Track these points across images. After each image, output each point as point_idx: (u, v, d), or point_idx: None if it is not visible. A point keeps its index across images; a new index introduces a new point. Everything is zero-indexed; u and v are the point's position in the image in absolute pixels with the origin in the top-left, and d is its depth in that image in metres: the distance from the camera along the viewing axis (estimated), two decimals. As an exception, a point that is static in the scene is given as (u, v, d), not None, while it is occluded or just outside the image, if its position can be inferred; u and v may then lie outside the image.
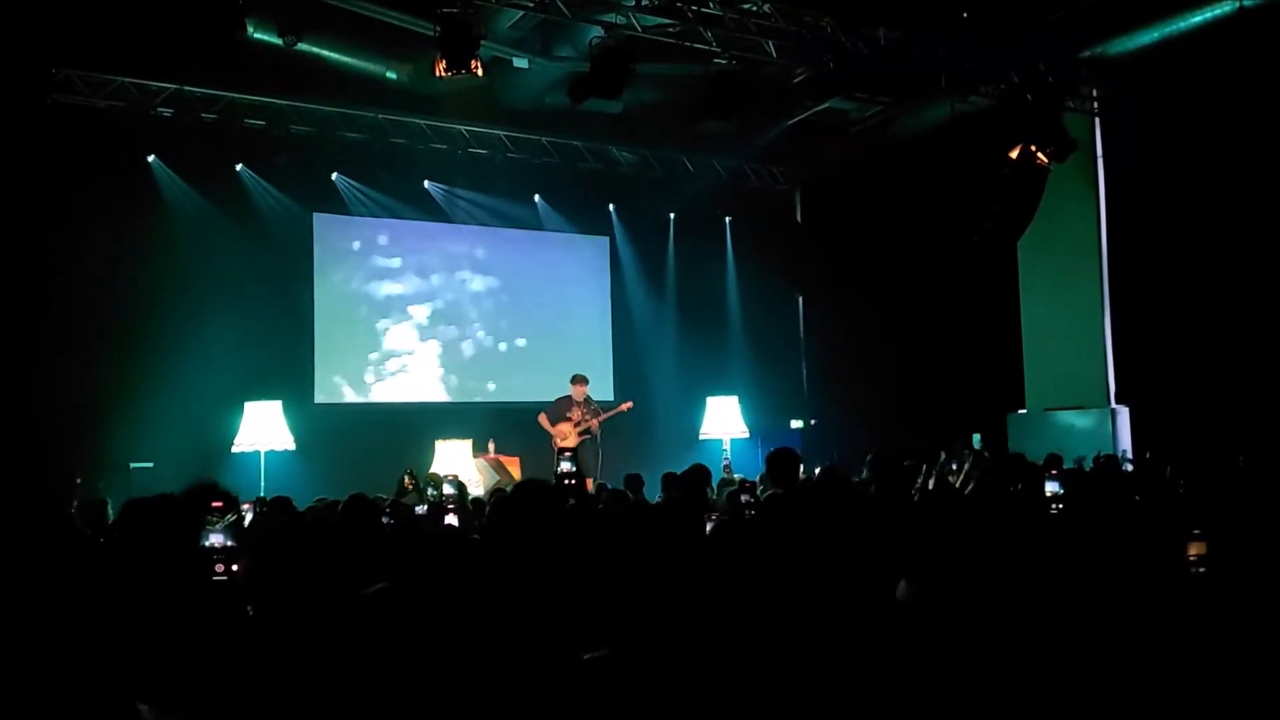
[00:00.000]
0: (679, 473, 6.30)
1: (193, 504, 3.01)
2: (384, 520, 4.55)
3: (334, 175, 10.48)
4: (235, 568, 2.98)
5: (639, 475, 6.73)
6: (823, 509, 4.43)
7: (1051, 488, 4.30)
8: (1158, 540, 3.58)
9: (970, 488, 6.20)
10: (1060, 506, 4.22)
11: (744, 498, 4.56)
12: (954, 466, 6.96)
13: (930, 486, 6.19)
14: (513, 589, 3.40)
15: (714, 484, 6.80)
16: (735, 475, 8.39)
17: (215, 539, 3.01)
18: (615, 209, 12.09)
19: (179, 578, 2.86)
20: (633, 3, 8.28)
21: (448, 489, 5.76)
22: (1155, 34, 8.92)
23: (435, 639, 2.98)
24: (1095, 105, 10.14)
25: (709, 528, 4.17)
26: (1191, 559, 3.40)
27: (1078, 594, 3.38)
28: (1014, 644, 3.39)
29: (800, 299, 13.02)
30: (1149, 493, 5.26)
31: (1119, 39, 9.21)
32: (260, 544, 3.28)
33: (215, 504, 3.04)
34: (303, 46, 8.66)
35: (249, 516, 5.41)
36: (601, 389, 11.16)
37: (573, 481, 4.91)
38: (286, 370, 10.04)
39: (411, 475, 8.09)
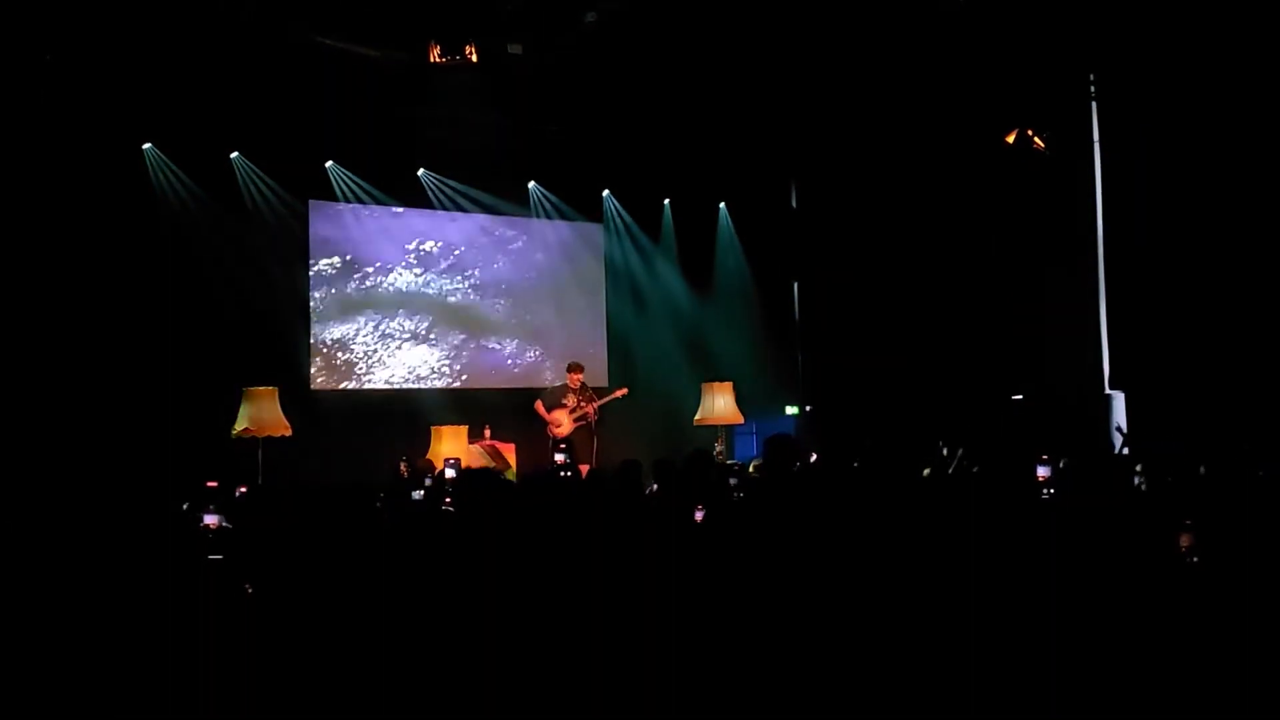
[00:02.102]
0: (682, 458, 6.32)
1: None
2: (378, 506, 4.55)
3: (328, 163, 10.45)
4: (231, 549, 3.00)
5: (637, 461, 6.72)
6: (817, 494, 4.45)
7: (1042, 472, 4.31)
8: (1149, 528, 3.59)
9: (966, 474, 6.23)
10: (1050, 491, 4.24)
11: (732, 480, 4.56)
12: (946, 453, 7.00)
13: (925, 472, 6.22)
14: (508, 573, 3.41)
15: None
16: (730, 462, 8.41)
17: (210, 520, 3.03)
18: (610, 195, 12.07)
19: (177, 558, 2.88)
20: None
21: (449, 474, 5.77)
22: (1154, 18, 8.89)
23: (431, 620, 3.01)
24: (1093, 89, 10.11)
25: (699, 516, 4.19)
26: (1184, 549, 3.42)
27: (1068, 580, 3.39)
28: (1007, 627, 3.41)
29: (796, 285, 13.02)
30: (1142, 479, 5.28)
31: (1117, 23, 9.18)
32: (256, 527, 3.31)
33: (209, 484, 3.06)
34: (297, 32, 8.62)
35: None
36: (596, 376, 11.18)
37: (568, 473, 4.94)
38: (283, 357, 10.04)
39: (407, 462, 8.11)
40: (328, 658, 2.83)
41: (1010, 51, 9.51)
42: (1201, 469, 4.99)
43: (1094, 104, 10.17)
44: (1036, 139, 9.59)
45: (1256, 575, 3.38)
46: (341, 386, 10.59)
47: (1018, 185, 10.22)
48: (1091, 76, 10.06)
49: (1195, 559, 3.57)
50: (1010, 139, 9.55)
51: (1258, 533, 3.57)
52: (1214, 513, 3.78)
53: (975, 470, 6.17)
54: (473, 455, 9.65)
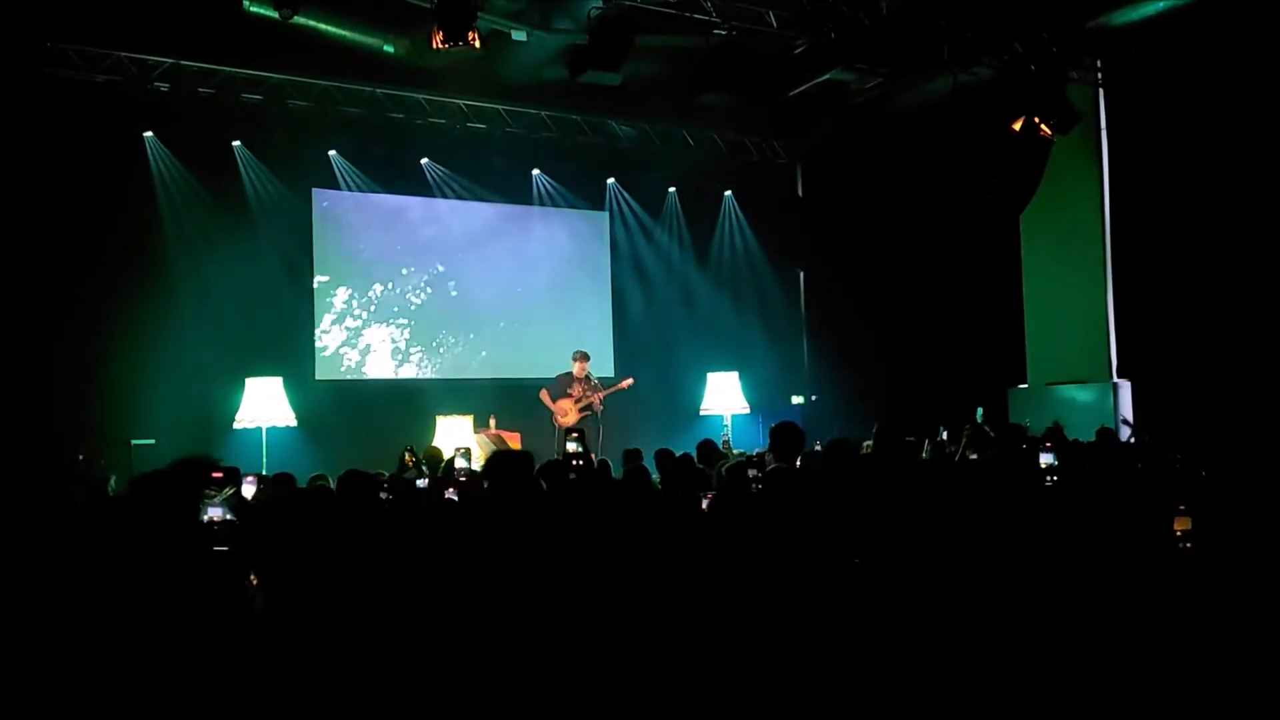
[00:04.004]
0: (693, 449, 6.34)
1: (186, 477, 3.01)
2: (383, 495, 4.54)
3: (330, 152, 10.41)
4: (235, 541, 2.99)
5: (637, 450, 6.71)
6: (828, 481, 4.43)
7: (1046, 460, 4.28)
8: (1151, 515, 3.57)
9: (968, 460, 6.22)
10: (1055, 479, 4.21)
11: (752, 472, 4.52)
12: (946, 438, 6.98)
13: (925, 458, 6.20)
14: (514, 561, 3.40)
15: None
16: (735, 450, 8.38)
17: (214, 513, 3.01)
18: (614, 183, 12.03)
19: (181, 549, 2.87)
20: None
21: (460, 462, 5.74)
22: (1160, 4, 8.82)
23: (435, 608, 3.00)
24: (1099, 76, 10.04)
25: (705, 504, 4.17)
26: (1177, 535, 3.40)
27: (1071, 566, 3.38)
28: (1013, 614, 3.40)
29: (801, 274, 12.97)
30: (1147, 467, 5.26)
31: (1124, 9, 9.10)
32: (260, 518, 3.30)
33: (215, 475, 3.04)
34: (299, 20, 8.57)
35: (251, 490, 5.41)
36: (602, 365, 11.15)
37: (580, 462, 4.91)
38: (287, 346, 10.04)
39: (411, 451, 8.10)
40: (334, 646, 2.82)
41: (1017, 37, 9.44)
42: (1202, 470, 4.96)
43: (1100, 91, 10.11)
44: (1043, 126, 9.52)
45: (1255, 567, 3.36)
46: (345, 377, 10.57)
47: (1023, 175, 10.16)
48: (1099, 63, 9.99)
49: (1189, 544, 3.54)
50: (1017, 126, 9.49)
51: (1256, 525, 3.55)
52: (1211, 503, 3.76)
53: (975, 457, 6.16)
54: (478, 445, 9.63)
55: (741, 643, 3.32)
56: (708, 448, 6.55)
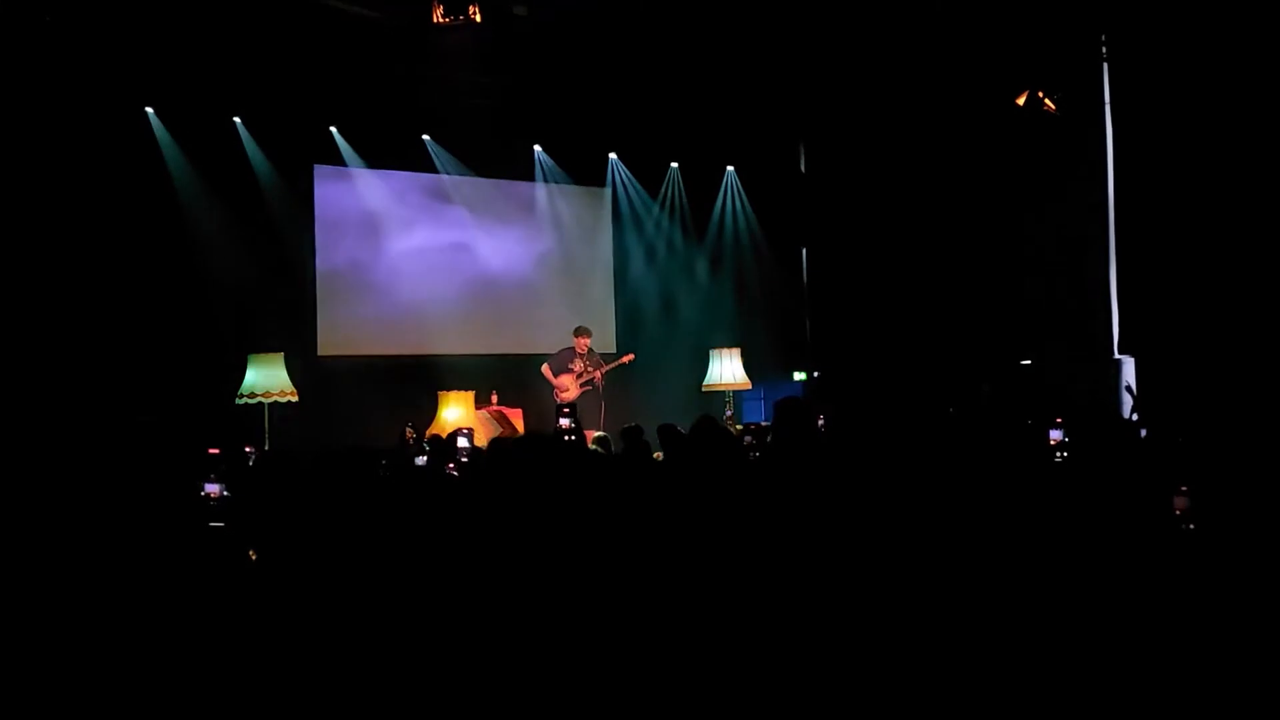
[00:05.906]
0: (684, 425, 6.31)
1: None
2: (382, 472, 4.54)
3: (332, 128, 10.36)
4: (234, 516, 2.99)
5: (638, 427, 6.69)
6: (834, 454, 4.43)
7: (1055, 435, 4.27)
8: (1152, 493, 3.57)
9: (974, 437, 6.20)
10: (1064, 454, 4.20)
11: (748, 439, 4.52)
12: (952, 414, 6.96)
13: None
14: (512, 540, 3.40)
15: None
16: (739, 426, 8.38)
17: (211, 488, 3.02)
18: (616, 158, 11.98)
19: (180, 525, 2.88)
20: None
21: (462, 442, 5.74)
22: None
23: (432, 586, 3.00)
24: (1104, 49, 9.96)
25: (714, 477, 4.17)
26: (1178, 514, 3.39)
27: (1078, 544, 3.37)
28: (1023, 592, 3.39)
29: (804, 250, 12.93)
30: (1150, 443, 5.25)
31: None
32: (259, 494, 3.31)
33: (211, 451, 3.05)
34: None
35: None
36: (604, 341, 11.15)
37: (572, 437, 4.92)
38: (289, 322, 10.03)
39: (412, 429, 8.11)
40: (332, 624, 2.83)
41: (1021, 12, 9.36)
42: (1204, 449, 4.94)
43: (1105, 65, 10.03)
44: (1047, 101, 9.47)
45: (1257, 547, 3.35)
46: (347, 352, 10.57)
47: (1028, 148, 10.11)
48: (1103, 37, 9.91)
49: (1191, 525, 3.54)
50: (1021, 101, 9.43)
51: (1259, 505, 3.54)
52: (1213, 482, 3.75)
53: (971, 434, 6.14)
54: (480, 421, 9.65)
55: (743, 620, 3.32)
56: (707, 423, 6.54)
